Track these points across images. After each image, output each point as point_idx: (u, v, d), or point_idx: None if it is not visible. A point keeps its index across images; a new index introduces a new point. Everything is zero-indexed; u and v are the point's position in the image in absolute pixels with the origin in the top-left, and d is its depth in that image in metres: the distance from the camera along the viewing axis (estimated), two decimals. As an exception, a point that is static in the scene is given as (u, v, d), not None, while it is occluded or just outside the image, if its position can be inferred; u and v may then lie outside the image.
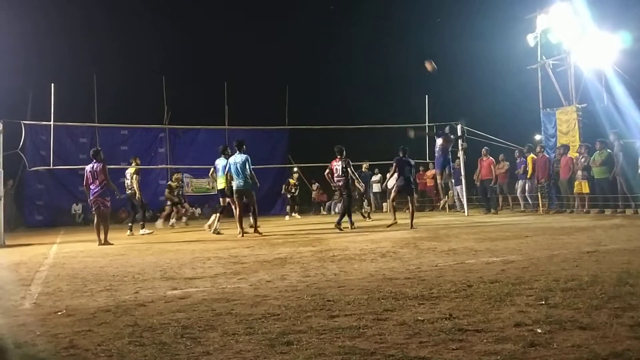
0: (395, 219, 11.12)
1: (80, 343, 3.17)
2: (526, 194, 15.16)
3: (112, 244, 10.01)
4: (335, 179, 11.57)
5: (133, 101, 20.99)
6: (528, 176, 14.83)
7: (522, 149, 15.62)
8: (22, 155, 13.52)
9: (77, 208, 20.05)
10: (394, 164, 11.36)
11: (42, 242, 11.53)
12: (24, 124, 13.18)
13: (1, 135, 11.36)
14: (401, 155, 11.27)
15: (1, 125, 11.42)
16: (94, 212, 10.31)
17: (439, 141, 13.66)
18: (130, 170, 13.09)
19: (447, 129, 14.13)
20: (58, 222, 18.93)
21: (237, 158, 10.62)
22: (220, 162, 11.68)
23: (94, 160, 10.20)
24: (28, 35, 19.38)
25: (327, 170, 11.89)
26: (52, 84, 13.24)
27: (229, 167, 10.77)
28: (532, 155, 14.89)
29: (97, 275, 6.01)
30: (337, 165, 11.50)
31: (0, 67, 15.41)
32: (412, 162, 11.57)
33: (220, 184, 11.67)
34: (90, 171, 10.15)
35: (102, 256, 8.02)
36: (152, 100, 21.67)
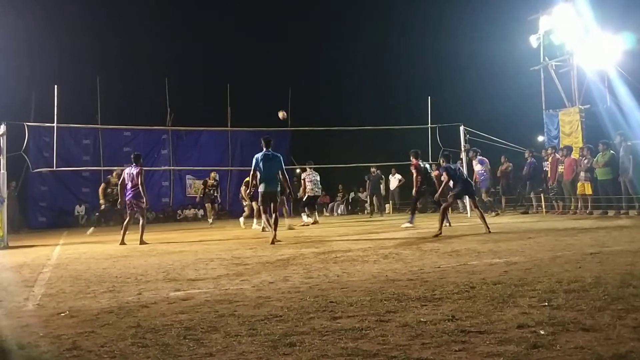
0: (441, 230, 9.51)
1: (83, 344, 3.17)
2: (541, 195, 15.14)
3: (148, 243, 10.18)
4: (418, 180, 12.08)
5: (136, 103, 21.06)
6: (548, 176, 14.85)
7: (532, 150, 15.71)
8: (26, 157, 13.55)
9: (80, 209, 20.10)
10: (444, 173, 10.27)
11: (45, 243, 11.56)
12: (27, 125, 13.22)
13: (4, 137, 11.40)
14: (445, 162, 10.42)
15: (4, 127, 11.46)
16: (129, 212, 10.71)
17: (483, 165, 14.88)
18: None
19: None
20: (61, 223, 18.98)
21: (269, 155, 9.42)
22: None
23: (134, 164, 10.56)
24: (31, 37, 19.46)
25: (416, 174, 12.19)
26: (55, 86, 13.27)
27: (258, 165, 9.37)
28: (551, 157, 14.88)
29: (100, 276, 6.03)
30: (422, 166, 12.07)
31: (3, 69, 15.46)
32: (458, 165, 11.24)
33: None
34: (128, 173, 10.55)
35: (105, 257, 8.04)
36: (155, 101, 21.75)
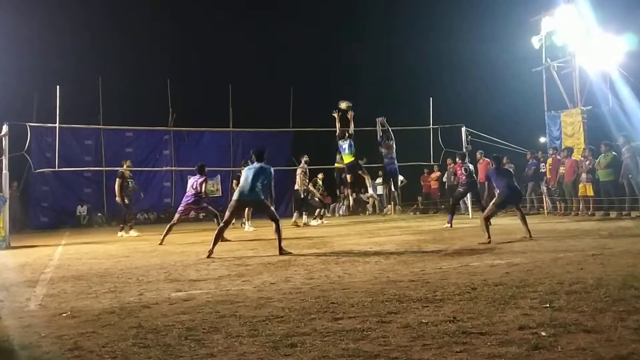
0: (489, 236, 8.39)
1: (85, 344, 3.18)
2: (542, 196, 15.15)
3: (230, 240, 10.01)
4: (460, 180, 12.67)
5: (138, 103, 21.06)
6: (548, 177, 14.87)
7: (534, 152, 15.73)
8: (28, 157, 13.57)
9: (82, 210, 20.11)
10: (490, 177, 9.29)
11: (47, 243, 11.57)
12: (30, 126, 13.22)
13: (7, 137, 11.42)
14: (494, 165, 9.55)
15: (7, 127, 11.48)
16: (179, 216, 10.91)
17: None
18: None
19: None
20: (63, 223, 18.98)
21: (256, 169, 8.17)
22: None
23: (198, 174, 10.86)
24: (33, 38, 19.47)
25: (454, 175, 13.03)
26: (58, 86, 13.27)
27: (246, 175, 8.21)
28: (552, 158, 14.89)
29: (102, 277, 6.04)
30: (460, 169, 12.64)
31: (5, 69, 15.48)
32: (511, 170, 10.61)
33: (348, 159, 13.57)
34: (192, 181, 10.85)
35: (107, 258, 8.05)
36: (156, 102, 21.75)
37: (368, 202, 20.80)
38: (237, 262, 6.81)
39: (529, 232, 8.61)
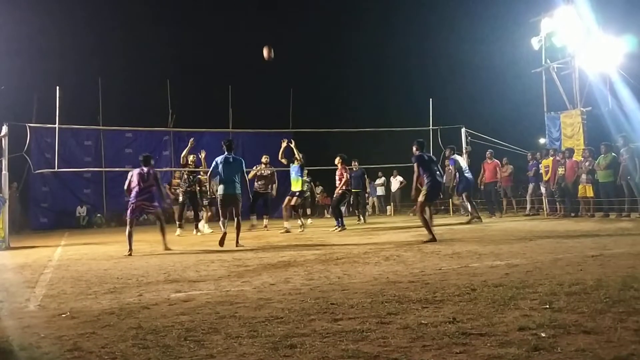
0: (432, 234, 8.52)
1: (84, 345, 3.18)
2: (543, 197, 15.17)
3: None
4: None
5: (138, 104, 21.10)
6: (544, 178, 14.87)
7: (535, 153, 15.74)
8: (27, 158, 13.57)
9: (81, 210, 20.11)
10: (416, 163, 8.83)
11: (47, 244, 11.57)
12: (29, 126, 13.22)
13: (6, 138, 11.42)
14: (418, 150, 8.97)
15: (6, 127, 11.48)
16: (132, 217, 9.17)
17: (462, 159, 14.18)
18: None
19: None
20: (62, 224, 18.99)
21: (230, 159, 9.21)
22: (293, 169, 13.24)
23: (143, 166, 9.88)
24: (33, 38, 19.51)
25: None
26: (57, 87, 13.27)
27: (217, 168, 9.18)
28: (550, 159, 14.89)
29: (101, 277, 6.03)
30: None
31: (5, 70, 15.49)
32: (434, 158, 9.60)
33: (296, 186, 12.99)
34: (139, 174, 9.12)
35: (106, 259, 8.05)
36: (156, 103, 21.76)
37: (368, 203, 20.78)
38: (237, 263, 6.81)
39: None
